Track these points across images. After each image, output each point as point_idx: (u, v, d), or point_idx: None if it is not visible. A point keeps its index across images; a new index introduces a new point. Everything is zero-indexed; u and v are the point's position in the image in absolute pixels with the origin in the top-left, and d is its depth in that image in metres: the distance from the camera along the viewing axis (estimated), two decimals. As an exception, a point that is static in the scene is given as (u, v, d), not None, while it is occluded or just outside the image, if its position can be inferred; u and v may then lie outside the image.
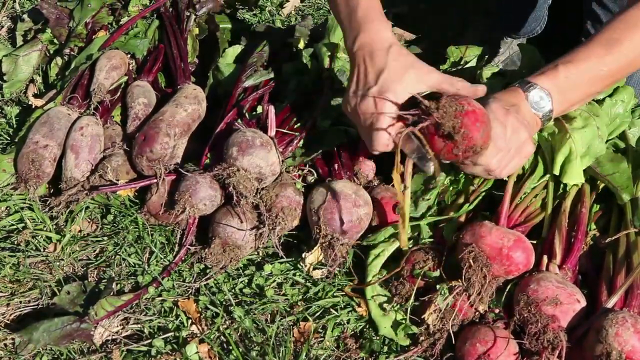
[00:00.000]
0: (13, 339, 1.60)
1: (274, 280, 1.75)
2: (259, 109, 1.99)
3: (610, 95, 1.89)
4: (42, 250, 1.84)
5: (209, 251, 1.74)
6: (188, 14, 2.44)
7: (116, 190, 1.91)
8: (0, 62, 2.37)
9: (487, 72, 1.97)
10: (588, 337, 1.48)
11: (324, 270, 1.74)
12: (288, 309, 1.69)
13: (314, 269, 1.74)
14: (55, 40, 2.44)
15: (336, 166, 1.87)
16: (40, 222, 1.90)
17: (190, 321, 1.65)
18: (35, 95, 2.32)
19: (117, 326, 1.64)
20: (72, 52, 2.36)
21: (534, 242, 1.66)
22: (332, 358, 1.59)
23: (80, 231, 1.89)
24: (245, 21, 2.84)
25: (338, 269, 1.73)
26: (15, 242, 1.85)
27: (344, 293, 1.71)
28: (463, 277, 1.56)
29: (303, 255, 1.74)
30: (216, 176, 1.78)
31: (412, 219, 1.72)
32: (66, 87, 2.16)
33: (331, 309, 1.68)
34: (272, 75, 2.13)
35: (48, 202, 1.90)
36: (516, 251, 1.56)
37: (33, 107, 2.21)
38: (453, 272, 1.61)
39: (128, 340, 1.62)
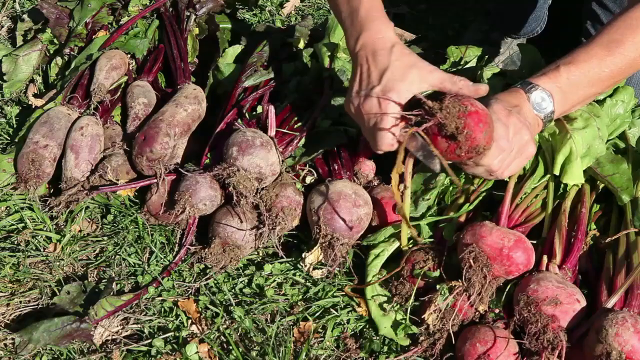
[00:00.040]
0: (13, 339, 1.60)
1: (274, 280, 1.75)
2: (259, 109, 1.99)
3: (610, 96, 1.89)
4: (42, 250, 1.84)
5: (209, 251, 1.74)
6: (188, 14, 2.44)
7: (116, 190, 1.91)
8: (0, 62, 2.37)
9: (487, 72, 1.97)
10: (588, 337, 1.48)
11: (324, 270, 1.74)
12: (288, 309, 1.69)
13: (314, 269, 1.74)
14: (55, 40, 2.44)
15: (336, 166, 1.87)
16: (40, 222, 1.90)
17: (190, 321, 1.65)
18: (35, 95, 2.32)
19: (117, 326, 1.64)
20: (72, 52, 2.36)
21: (534, 242, 1.66)
22: (332, 358, 1.59)
23: (80, 231, 1.89)
24: (245, 21, 2.84)
25: (338, 269, 1.73)
26: (15, 242, 1.85)
27: (344, 293, 1.71)
28: (463, 277, 1.56)
29: (303, 255, 1.74)
30: (216, 176, 1.78)
31: (412, 219, 1.72)
32: (66, 87, 2.16)
33: (331, 309, 1.68)
34: (272, 75, 2.13)
35: (48, 202, 1.89)
36: (516, 251, 1.56)
37: (33, 107, 2.22)
38: (453, 272, 1.61)
39: (128, 340, 1.62)
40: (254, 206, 1.78)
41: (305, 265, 1.74)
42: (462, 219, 1.75)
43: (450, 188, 1.83)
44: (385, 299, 1.67)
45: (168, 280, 1.74)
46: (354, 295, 1.71)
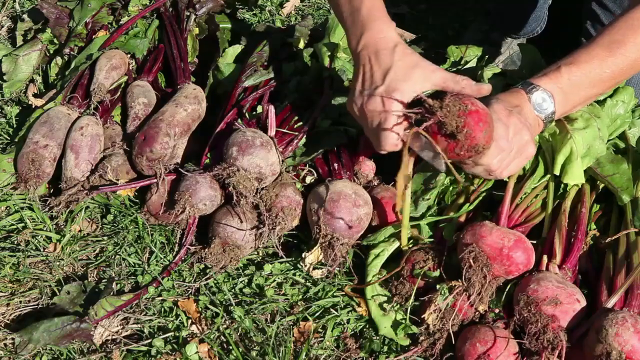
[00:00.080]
0: (13, 339, 1.60)
1: (274, 280, 1.75)
2: (259, 109, 1.99)
3: (610, 96, 1.89)
4: (42, 250, 1.84)
5: (209, 251, 1.74)
6: (188, 13, 2.44)
7: (116, 190, 1.91)
8: (0, 62, 2.37)
9: (487, 72, 1.97)
10: (588, 337, 1.48)
11: (324, 270, 1.74)
12: (288, 309, 1.69)
13: (314, 268, 1.74)
14: (55, 40, 2.44)
15: (336, 166, 1.87)
16: (40, 222, 1.90)
17: (190, 321, 1.65)
18: (35, 95, 2.32)
19: (117, 326, 1.64)
20: (72, 52, 2.36)
21: (534, 242, 1.66)
22: (332, 358, 1.59)
23: (80, 231, 1.89)
24: (245, 21, 2.84)
25: (338, 268, 1.73)
26: (15, 242, 1.85)
27: (344, 293, 1.71)
28: (463, 277, 1.56)
29: (303, 255, 1.74)
30: (216, 176, 1.78)
31: (412, 219, 1.72)
32: (66, 87, 2.16)
33: (331, 309, 1.68)
34: (272, 75, 2.13)
35: (48, 202, 1.89)
36: (516, 251, 1.56)
37: (33, 107, 2.21)
38: (453, 272, 1.61)
39: (128, 340, 1.62)
40: (254, 206, 1.78)
41: (305, 265, 1.74)
42: (462, 219, 1.75)
43: (450, 188, 1.83)
44: (385, 299, 1.67)
45: (168, 280, 1.74)
46: (354, 295, 1.71)
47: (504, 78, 1.99)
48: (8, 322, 1.67)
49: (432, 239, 1.74)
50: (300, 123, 1.98)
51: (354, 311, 1.68)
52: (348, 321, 1.66)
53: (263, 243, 1.79)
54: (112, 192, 1.92)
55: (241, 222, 1.75)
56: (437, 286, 1.59)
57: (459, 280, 1.56)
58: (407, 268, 1.66)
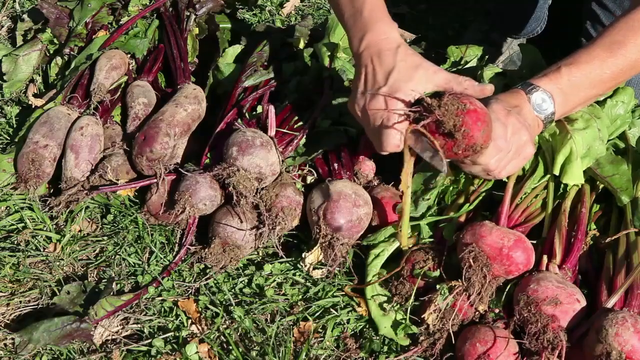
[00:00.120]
0: (13, 339, 1.60)
1: (274, 280, 1.75)
2: (259, 109, 1.99)
3: (610, 97, 1.89)
4: (42, 250, 1.84)
5: (209, 251, 1.74)
6: (188, 13, 2.44)
7: (116, 190, 1.91)
8: (0, 62, 2.37)
9: (487, 72, 1.97)
10: (588, 337, 1.48)
11: (324, 270, 1.74)
12: (288, 309, 1.69)
13: (314, 268, 1.74)
14: (55, 40, 2.44)
15: (336, 166, 1.87)
16: (40, 222, 1.90)
17: (190, 321, 1.65)
18: (35, 95, 2.32)
19: (117, 326, 1.64)
20: (72, 52, 2.36)
21: (534, 242, 1.66)
22: (332, 358, 1.59)
23: (80, 231, 1.89)
24: (245, 21, 2.84)
25: (338, 268, 1.73)
26: (15, 242, 1.85)
27: (344, 293, 1.71)
28: (463, 277, 1.56)
29: (303, 255, 1.74)
30: (216, 176, 1.78)
31: (412, 219, 1.72)
32: (66, 87, 2.16)
33: (331, 309, 1.68)
34: (272, 75, 2.13)
35: (48, 202, 1.89)
36: (516, 251, 1.56)
37: (33, 107, 2.21)
38: (453, 272, 1.61)
39: (128, 340, 1.62)
40: (254, 206, 1.78)
41: (305, 265, 1.74)
42: (462, 219, 1.75)
43: (450, 188, 1.83)
44: (385, 298, 1.67)
45: (168, 280, 1.74)
46: (354, 295, 1.71)
47: (504, 78, 1.99)
48: (8, 322, 1.67)
49: (432, 239, 1.74)
50: (300, 123, 1.98)
51: (354, 311, 1.68)
52: (348, 321, 1.66)
53: (263, 243, 1.79)
54: (112, 192, 1.92)
55: (241, 222, 1.75)
56: (437, 286, 1.59)
57: (459, 280, 1.56)
58: (407, 268, 1.66)
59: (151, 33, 2.40)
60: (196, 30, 2.41)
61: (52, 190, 1.99)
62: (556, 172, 1.75)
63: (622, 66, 1.61)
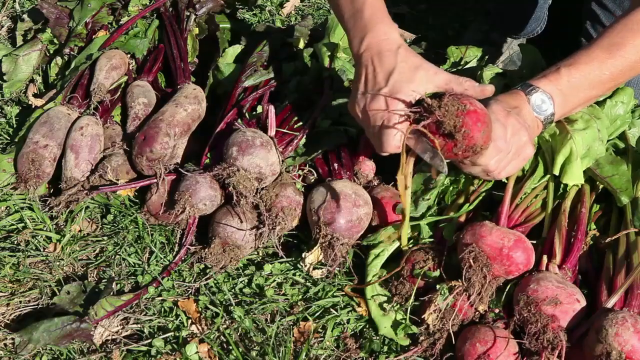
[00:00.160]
0: (13, 339, 1.60)
1: (274, 280, 1.75)
2: (259, 109, 1.99)
3: (610, 97, 1.89)
4: (42, 250, 1.84)
5: (209, 251, 1.74)
6: (188, 13, 2.44)
7: (116, 190, 1.91)
8: (0, 62, 2.37)
9: (487, 73, 1.97)
10: (588, 337, 1.48)
11: (324, 270, 1.74)
12: (288, 309, 1.69)
13: (314, 268, 1.74)
14: (55, 40, 2.44)
15: (336, 166, 1.87)
16: (40, 222, 1.90)
17: (190, 321, 1.65)
18: (35, 95, 2.32)
19: (117, 326, 1.64)
20: (72, 52, 2.36)
21: (534, 242, 1.66)
22: (332, 358, 1.59)
23: (80, 231, 1.89)
24: (245, 21, 2.84)
25: (338, 268, 1.73)
26: (15, 242, 1.85)
27: (344, 293, 1.71)
28: (463, 277, 1.56)
29: (303, 255, 1.74)
30: (216, 176, 1.78)
31: (412, 219, 1.72)
32: (66, 87, 2.16)
33: (331, 309, 1.68)
34: (272, 75, 2.13)
35: (48, 202, 1.89)
36: (516, 251, 1.56)
37: (33, 107, 2.21)
38: (453, 272, 1.61)
39: (128, 340, 1.62)
40: (254, 206, 1.78)
41: (305, 265, 1.74)
42: (462, 219, 1.75)
43: (450, 188, 1.83)
44: (385, 298, 1.67)
45: (168, 280, 1.74)
46: (354, 295, 1.71)
47: (503, 78, 1.99)
48: (8, 322, 1.67)
49: (432, 239, 1.74)
50: (300, 123, 1.98)
51: (354, 311, 1.68)
52: (348, 321, 1.66)
53: (263, 243, 1.79)
54: (112, 192, 1.92)
55: (241, 222, 1.75)
56: (437, 286, 1.59)
57: (459, 280, 1.56)
58: (407, 268, 1.66)
59: (151, 33, 2.40)
60: (196, 30, 2.41)
61: (52, 190, 1.99)
62: (556, 172, 1.75)
63: (621, 67, 1.61)
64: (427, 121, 1.47)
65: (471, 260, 1.56)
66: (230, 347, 1.58)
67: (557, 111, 1.62)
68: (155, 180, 1.85)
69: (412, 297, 1.63)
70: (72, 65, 2.27)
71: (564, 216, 1.71)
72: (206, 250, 1.75)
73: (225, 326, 1.64)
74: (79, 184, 1.90)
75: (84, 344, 1.60)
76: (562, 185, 1.79)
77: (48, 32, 2.43)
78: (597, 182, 1.82)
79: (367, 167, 1.91)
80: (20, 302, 1.72)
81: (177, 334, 1.62)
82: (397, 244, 1.71)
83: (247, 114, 1.98)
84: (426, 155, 1.53)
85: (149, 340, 1.61)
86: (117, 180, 1.91)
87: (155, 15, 2.46)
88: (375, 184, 1.91)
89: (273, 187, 1.81)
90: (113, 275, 1.77)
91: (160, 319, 1.66)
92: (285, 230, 1.79)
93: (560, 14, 2.58)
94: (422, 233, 1.74)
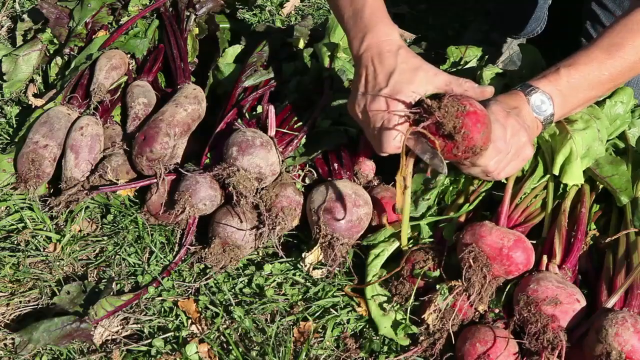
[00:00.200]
0: (13, 339, 1.60)
1: (274, 280, 1.75)
2: (259, 109, 1.99)
3: (609, 97, 1.89)
4: (42, 250, 1.84)
5: (209, 251, 1.74)
6: (188, 13, 2.44)
7: (116, 190, 1.91)
8: (0, 62, 2.37)
9: (487, 73, 1.97)
10: (588, 337, 1.48)
11: (324, 270, 1.74)
12: (288, 309, 1.69)
13: (314, 268, 1.74)
14: (55, 40, 2.44)
15: (336, 166, 1.87)
16: (40, 222, 1.90)
17: (190, 321, 1.65)
18: (35, 95, 2.32)
19: (117, 326, 1.64)
20: (72, 52, 2.36)
21: (534, 242, 1.66)
22: (332, 358, 1.59)
23: (80, 231, 1.89)
24: (245, 21, 2.84)
25: (338, 268, 1.73)
26: (15, 242, 1.85)
27: (344, 293, 1.71)
28: (463, 277, 1.56)
29: (303, 255, 1.74)
30: (216, 176, 1.78)
31: (412, 219, 1.72)
32: (66, 86, 2.16)
33: (331, 309, 1.68)
34: (272, 75, 2.13)
35: (48, 202, 1.89)
36: (516, 251, 1.56)
37: (33, 107, 2.21)
38: (453, 272, 1.61)
39: (128, 340, 1.62)
40: (254, 206, 1.78)
41: (305, 265, 1.74)
42: (462, 219, 1.76)
43: (450, 188, 1.83)
44: (385, 298, 1.67)
45: (168, 280, 1.74)
46: (354, 295, 1.71)
47: (503, 78, 1.99)
48: (8, 322, 1.67)
49: (432, 239, 1.74)
50: (300, 123, 1.98)
51: (354, 311, 1.68)
52: (348, 321, 1.66)
53: (263, 243, 1.79)
54: (112, 192, 1.92)
55: (241, 222, 1.75)
56: (437, 286, 1.59)
57: (459, 280, 1.56)
58: (407, 268, 1.66)
59: (151, 33, 2.40)
60: (196, 30, 2.41)
61: (52, 190, 1.99)
62: (556, 172, 1.75)
63: (620, 68, 1.61)
64: (427, 122, 1.47)
65: (471, 260, 1.56)
66: (230, 347, 1.58)
67: (556, 112, 1.62)
68: (155, 180, 1.85)
69: (412, 297, 1.63)
70: (72, 65, 2.27)
71: (564, 216, 1.71)
72: (206, 250, 1.75)
73: (225, 326, 1.64)
74: (79, 184, 1.90)
75: (84, 344, 1.60)
76: (561, 185, 1.79)
77: (48, 32, 2.43)
78: (597, 182, 1.82)
79: (367, 167, 1.91)
80: (20, 302, 1.72)
81: (177, 334, 1.62)
82: (397, 244, 1.71)
83: (247, 114, 1.98)
84: (426, 156, 1.53)
85: (149, 340, 1.61)
86: (117, 180, 1.91)
87: (155, 15, 2.46)
88: (375, 184, 1.91)
89: (273, 187, 1.81)
90: (113, 275, 1.77)
91: (160, 319, 1.66)
92: (285, 230, 1.79)
93: (560, 14, 2.58)
94: (422, 233, 1.75)
